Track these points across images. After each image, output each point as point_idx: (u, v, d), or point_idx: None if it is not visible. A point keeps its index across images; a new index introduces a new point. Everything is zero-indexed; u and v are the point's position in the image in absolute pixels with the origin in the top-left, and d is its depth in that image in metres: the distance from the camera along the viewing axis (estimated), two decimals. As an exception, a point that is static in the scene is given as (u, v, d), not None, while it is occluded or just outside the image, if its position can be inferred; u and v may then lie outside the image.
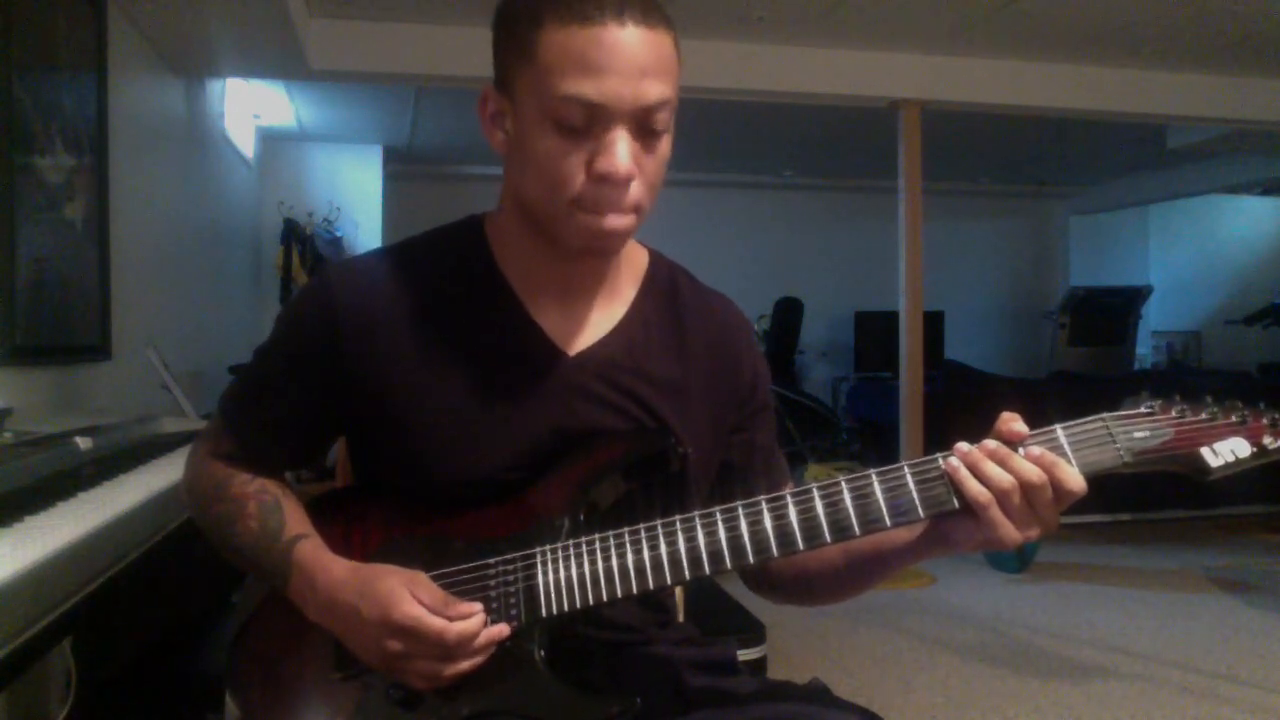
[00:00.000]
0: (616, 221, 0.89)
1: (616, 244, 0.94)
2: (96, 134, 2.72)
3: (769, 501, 0.88)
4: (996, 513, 0.83)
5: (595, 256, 0.96)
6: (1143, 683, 2.92)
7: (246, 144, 5.15)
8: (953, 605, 3.81)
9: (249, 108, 5.07)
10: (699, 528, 0.88)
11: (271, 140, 5.77)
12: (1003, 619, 3.62)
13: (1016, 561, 4.24)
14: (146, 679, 1.70)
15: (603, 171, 0.86)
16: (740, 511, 0.88)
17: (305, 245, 5.44)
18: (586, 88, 0.84)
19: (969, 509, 0.84)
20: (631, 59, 0.84)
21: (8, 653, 1.02)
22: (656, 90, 0.86)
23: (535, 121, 0.87)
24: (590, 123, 0.86)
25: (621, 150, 0.86)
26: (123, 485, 1.56)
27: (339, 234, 5.69)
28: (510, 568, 0.91)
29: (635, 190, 0.89)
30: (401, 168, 6.53)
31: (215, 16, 3.29)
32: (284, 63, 3.87)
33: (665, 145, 0.91)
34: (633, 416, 0.99)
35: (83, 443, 1.62)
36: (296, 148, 5.91)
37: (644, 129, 0.88)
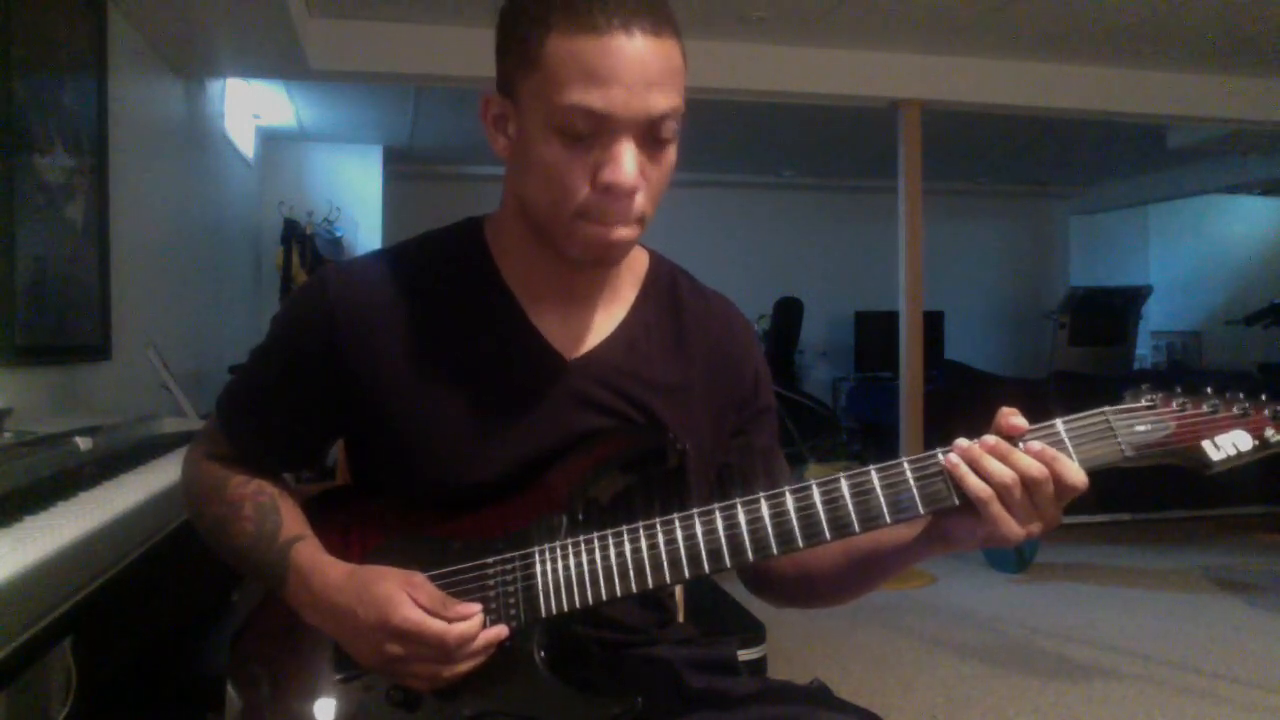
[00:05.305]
0: (621, 233, 0.89)
1: (619, 255, 0.93)
2: (96, 134, 2.72)
3: (768, 498, 0.88)
4: (998, 508, 0.83)
5: (597, 267, 0.96)
6: (1143, 683, 2.92)
7: (246, 144, 5.15)
8: (953, 605, 3.81)
9: (249, 108, 5.07)
10: (698, 525, 0.88)
11: (271, 140, 5.76)
12: (1003, 619, 3.61)
13: (1016, 562, 4.24)
14: (146, 679, 1.70)
15: (608, 182, 0.85)
16: (740, 508, 0.88)
17: (305, 245, 5.44)
18: (592, 98, 0.83)
19: (969, 505, 0.84)
20: (638, 70, 0.83)
21: (8, 653, 1.02)
22: (663, 101, 0.85)
23: (539, 129, 0.87)
24: (596, 132, 0.85)
25: (628, 161, 0.85)
26: (123, 485, 1.57)
27: (339, 234, 5.68)
28: (509, 567, 0.91)
29: (639, 201, 0.88)
30: (401, 168, 6.53)
31: (215, 16, 3.29)
32: (284, 63, 3.87)
33: (671, 154, 0.90)
34: (633, 421, 0.99)
35: (83, 443, 1.63)
36: (296, 148, 5.90)
37: (650, 138, 0.87)
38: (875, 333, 7.25)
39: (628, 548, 0.89)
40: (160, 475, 1.66)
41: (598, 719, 0.87)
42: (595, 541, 0.90)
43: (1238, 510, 5.22)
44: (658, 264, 1.07)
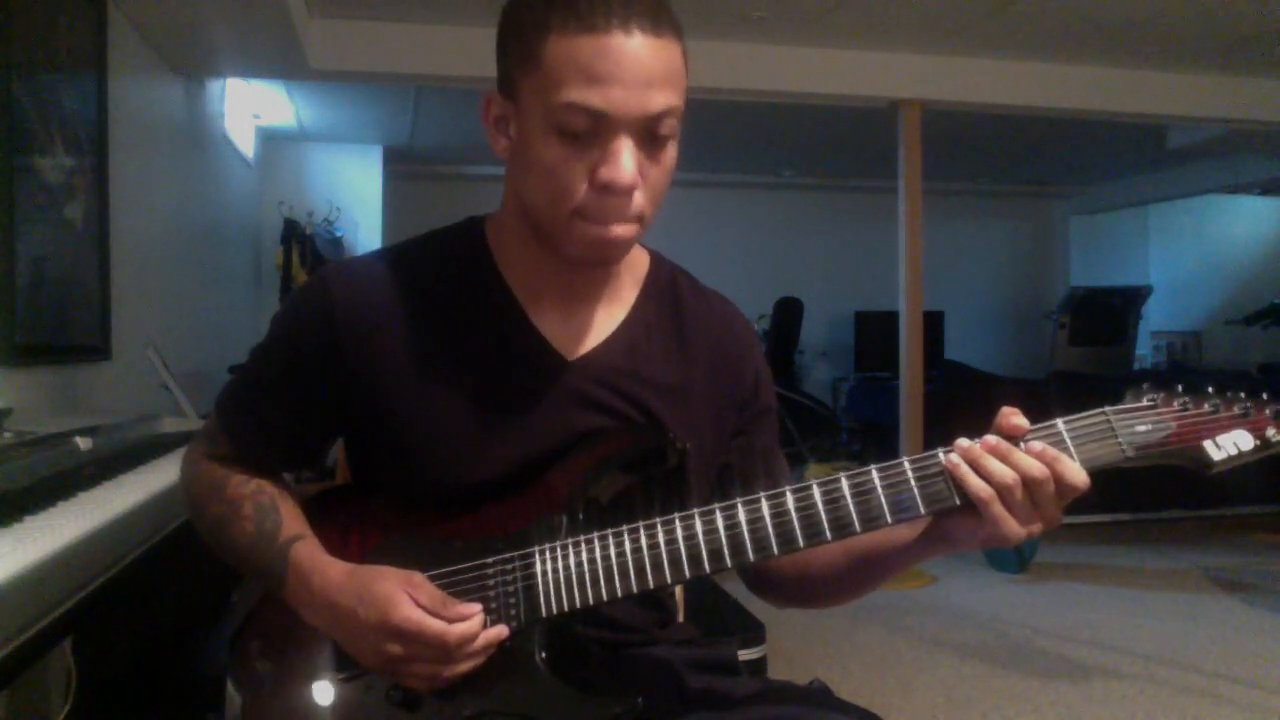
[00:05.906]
0: (619, 231, 0.89)
1: (618, 254, 0.93)
2: (96, 134, 2.72)
3: (769, 498, 0.87)
4: (999, 508, 0.83)
5: (596, 266, 0.96)
6: (1143, 683, 2.92)
7: (246, 144, 5.15)
8: (953, 605, 3.81)
9: (249, 108, 5.07)
10: (699, 524, 0.88)
11: (271, 140, 5.76)
12: (1003, 619, 3.61)
13: (1016, 562, 4.24)
14: (146, 679, 1.70)
15: (606, 180, 0.85)
16: (740, 508, 0.88)
17: (305, 245, 5.44)
18: (591, 96, 0.83)
19: (971, 505, 0.84)
20: (638, 69, 0.84)
21: (8, 653, 1.02)
22: (662, 100, 0.85)
23: (539, 128, 0.87)
24: (594, 131, 0.85)
25: (626, 160, 0.85)
26: (123, 485, 1.56)
27: (339, 234, 5.68)
28: (509, 567, 0.91)
29: (638, 200, 0.88)
30: (401, 168, 6.53)
31: (215, 16, 3.29)
32: (284, 63, 3.87)
33: (670, 153, 0.90)
34: (634, 421, 0.99)
35: (83, 443, 1.62)
36: (296, 148, 5.90)
37: (649, 137, 0.87)
38: (875, 333, 7.25)
39: (628, 547, 0.89)
40: (160, 475, 1.65)
41: (598, 719, 0.87)
42: (595, 541, 0.90)
43: (1238, 510, 5.22)
44: (658, 264, 1.07)
